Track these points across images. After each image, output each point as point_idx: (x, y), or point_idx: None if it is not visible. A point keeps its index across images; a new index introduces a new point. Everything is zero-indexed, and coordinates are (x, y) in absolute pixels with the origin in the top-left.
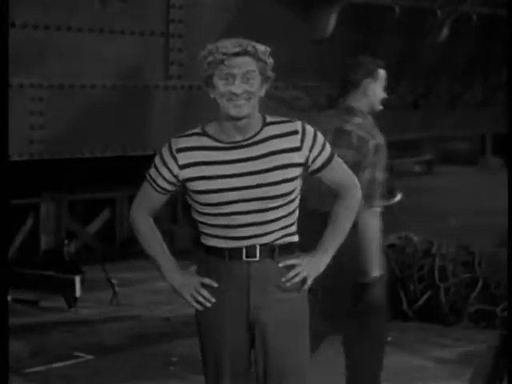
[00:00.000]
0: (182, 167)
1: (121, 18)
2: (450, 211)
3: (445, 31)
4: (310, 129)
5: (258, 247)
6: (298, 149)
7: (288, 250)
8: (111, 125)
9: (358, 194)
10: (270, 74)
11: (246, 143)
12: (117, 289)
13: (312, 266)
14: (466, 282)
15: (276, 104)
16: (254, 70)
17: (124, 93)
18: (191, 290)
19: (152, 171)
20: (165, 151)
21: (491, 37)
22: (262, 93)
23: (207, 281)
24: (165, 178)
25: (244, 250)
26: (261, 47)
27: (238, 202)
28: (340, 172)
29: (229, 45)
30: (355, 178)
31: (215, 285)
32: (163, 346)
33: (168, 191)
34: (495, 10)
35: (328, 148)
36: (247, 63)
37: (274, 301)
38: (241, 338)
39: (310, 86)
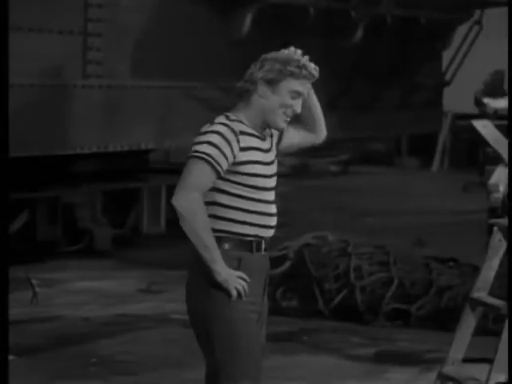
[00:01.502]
0: (242, 149)
1: (39, 15)
2: (366, 211)
3: (359, 32)
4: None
5: (267, 240)
6: (272, 148)
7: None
8: (30, 124)
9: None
10: None
11: (263, 136)
12: (37, 289)
13: None
14: (382, 281)
15: (195, 104)
16: None
17: (42, 92)
18: (235, 282)
19: (212, 151)
20: (226, 131)
21: (407, 38)
22: None
23: (245, 276)
24: (227, 158)
25: (263, 242)
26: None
27: (271, 190)
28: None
29: (316, 69)
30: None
31: (249, 280)
32: (84, 346)
33: (222, 173)
34: (410, 12)
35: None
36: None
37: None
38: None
39: (227, 87)
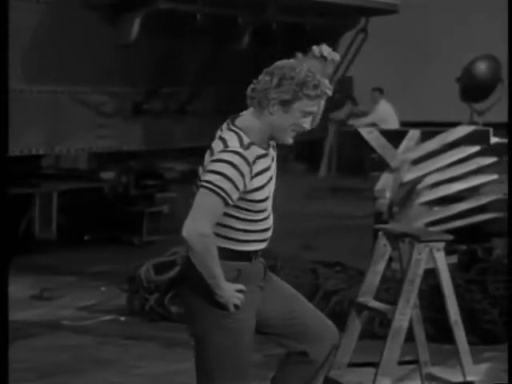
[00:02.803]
0: (253, 177)
1: None
2: None
3: (246, 38)
4: None
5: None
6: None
7: None
8: None
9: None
10: None
11: (268, 153)
12: None
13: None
14: None
15: (84, 109)
16: None
17: None
18: (233, 298)
19: (225, 185)
20: (241, 164)
21: (291, 44)
22: None
23: (240, 286)
24: (239, 190)
25: (259, 252)
26: None
27: (269, 202)
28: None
29: (329, 89)
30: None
31: (245, 288)
32: None
33: (232, 203)
34: (295, 19)
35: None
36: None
37: None
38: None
39: (116, 92)
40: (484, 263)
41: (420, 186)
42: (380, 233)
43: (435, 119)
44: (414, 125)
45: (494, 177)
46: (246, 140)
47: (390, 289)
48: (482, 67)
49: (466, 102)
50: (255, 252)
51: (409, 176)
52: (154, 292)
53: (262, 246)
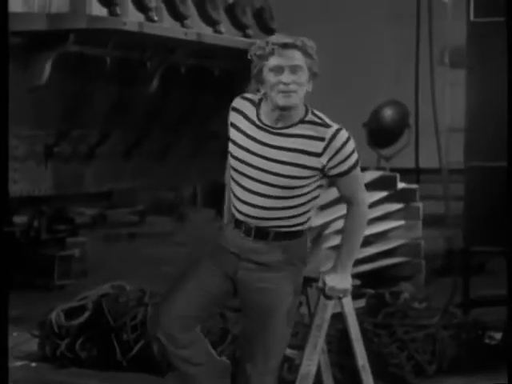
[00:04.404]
0: (230, 125)
1: None
2: (161, 260)
3: (155, 82)
4: (340, 138)
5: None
6: (318, 155)
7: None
8: None
9: (358, 211)
10: (317, 70)
11: (278, 131)
12: None
13: (337, 282)
14: None
15: None
16: (301, 64)
17: None
18: None
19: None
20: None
21: (200, 88)
22: (310, 88)
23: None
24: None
25: (243, 225)
26: (309, 42)
27: (255, 181)
28: (350, 187)
29: (279, 37)
30: (360, 196)
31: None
32: None
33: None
34: (203, 62)
35: (351, 161)
36: (295, 57)
37: None
38: None
39: (28, 135)
40: (392, 307)
41: (327, 232)
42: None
43: None
44: None
45: (401, 223)
46: (250, 96)
47: (298, 333)
48: (388, 112)
49: (372, 147)
50: (236, 219)
51: (316, 221)
52: (64, 337)
53: (241, 216)
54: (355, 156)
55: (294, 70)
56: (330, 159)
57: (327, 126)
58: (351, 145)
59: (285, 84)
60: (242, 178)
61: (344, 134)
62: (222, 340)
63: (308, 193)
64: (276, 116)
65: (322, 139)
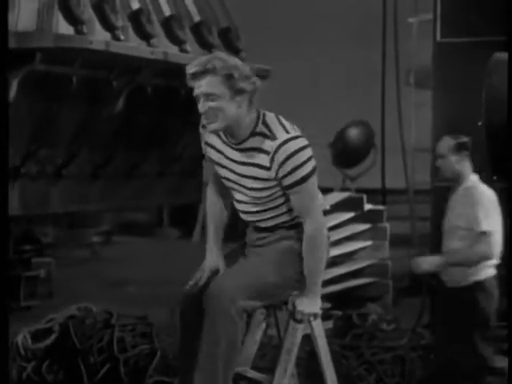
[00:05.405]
0: (205, 144)
1: None
2: (127, 280)
3: (121, 102)
4: (283, 151)
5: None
6: (267, 168)
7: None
8: None
9: (311, 230)
10: (243, 85)
11: (236, 147)
12: None
13: (306, 306)
14: (145, 353)
15: None
16: (212, 90)
17: None
18: None
19: None
20: None
21: (166, 107)
22: (241, 105)
23: None
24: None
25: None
26: (224, 62)
27: (237, 192)
28: (301, 202)
29: (191, 66)
30: (313, 215)
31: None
32: None
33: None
34: (169, 82)
35: (297, 175)
36: (207, 83)
37: None
38: None
39: None
40: (359, 329)
41: None
42: None
43: None
44: None
45: (368, 243)
46: None
47: (266, 355)
48: (354, 132)
49: (338, 167)
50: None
51: None
52: (31, 360)
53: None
54: (305, 169)
55: (207, 97)
56: (276, 173)
57: (274, 138)
58: (298, 158)
59: (202, 113)
60: (231, 191)
61: (291, 147)
62: (151, 360)
63: (282, 195)
64: (226, 134)
65: (267, 152)
